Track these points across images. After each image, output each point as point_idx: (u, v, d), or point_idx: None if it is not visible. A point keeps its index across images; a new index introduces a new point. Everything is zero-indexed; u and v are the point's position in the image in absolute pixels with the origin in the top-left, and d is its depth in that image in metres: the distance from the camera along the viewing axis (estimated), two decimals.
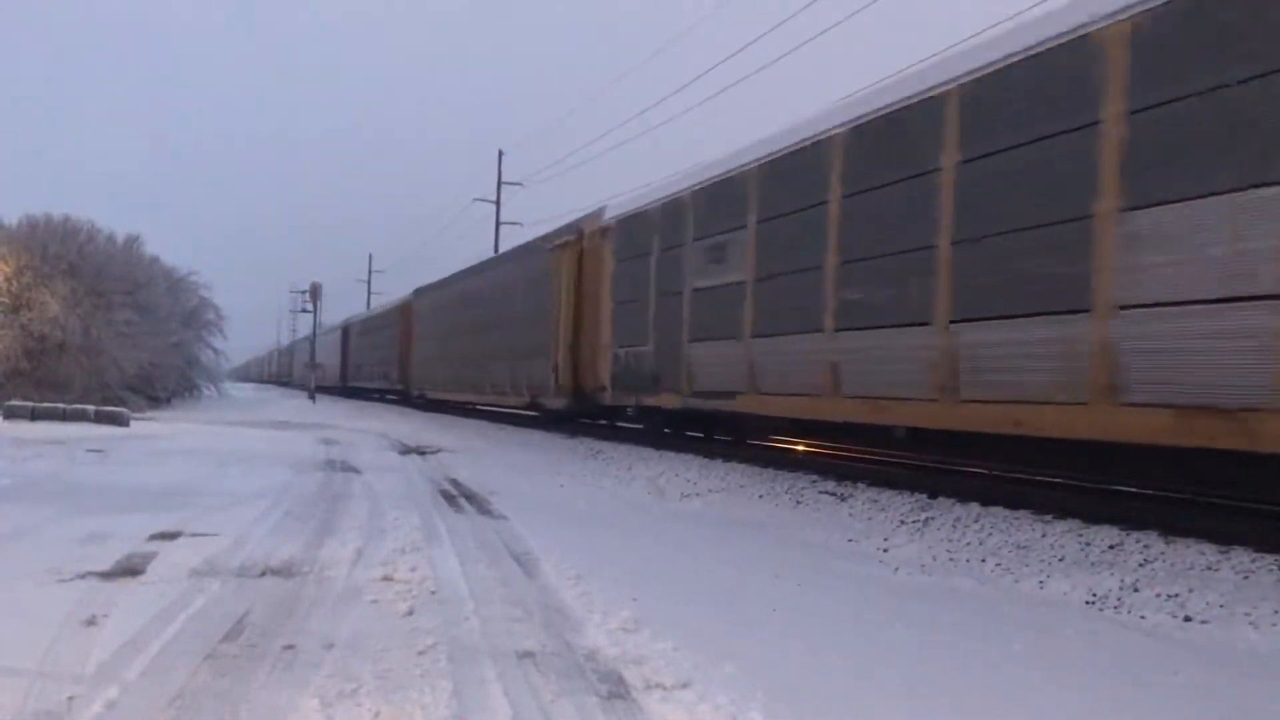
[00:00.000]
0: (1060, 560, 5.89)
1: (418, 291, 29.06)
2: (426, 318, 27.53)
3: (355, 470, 10.73)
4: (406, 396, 30.93)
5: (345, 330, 44.46)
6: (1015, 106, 6.86)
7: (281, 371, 78.08)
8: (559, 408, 16.39)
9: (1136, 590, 5.15)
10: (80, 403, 18.80)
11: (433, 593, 4.61)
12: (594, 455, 13.26)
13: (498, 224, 35.24)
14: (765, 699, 3.19)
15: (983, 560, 6.14)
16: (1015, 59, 6.89)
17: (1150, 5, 5.88)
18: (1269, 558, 5.31)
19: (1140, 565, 5.54)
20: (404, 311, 30.54)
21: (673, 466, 11.06)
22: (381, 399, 37.23)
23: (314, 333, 43.71)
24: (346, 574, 4.97)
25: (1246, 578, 5.14)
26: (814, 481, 9.20)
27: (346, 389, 42.87)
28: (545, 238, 17.35)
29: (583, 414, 16.35)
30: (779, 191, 9.81)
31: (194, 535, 5.92)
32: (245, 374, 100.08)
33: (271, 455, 12.33)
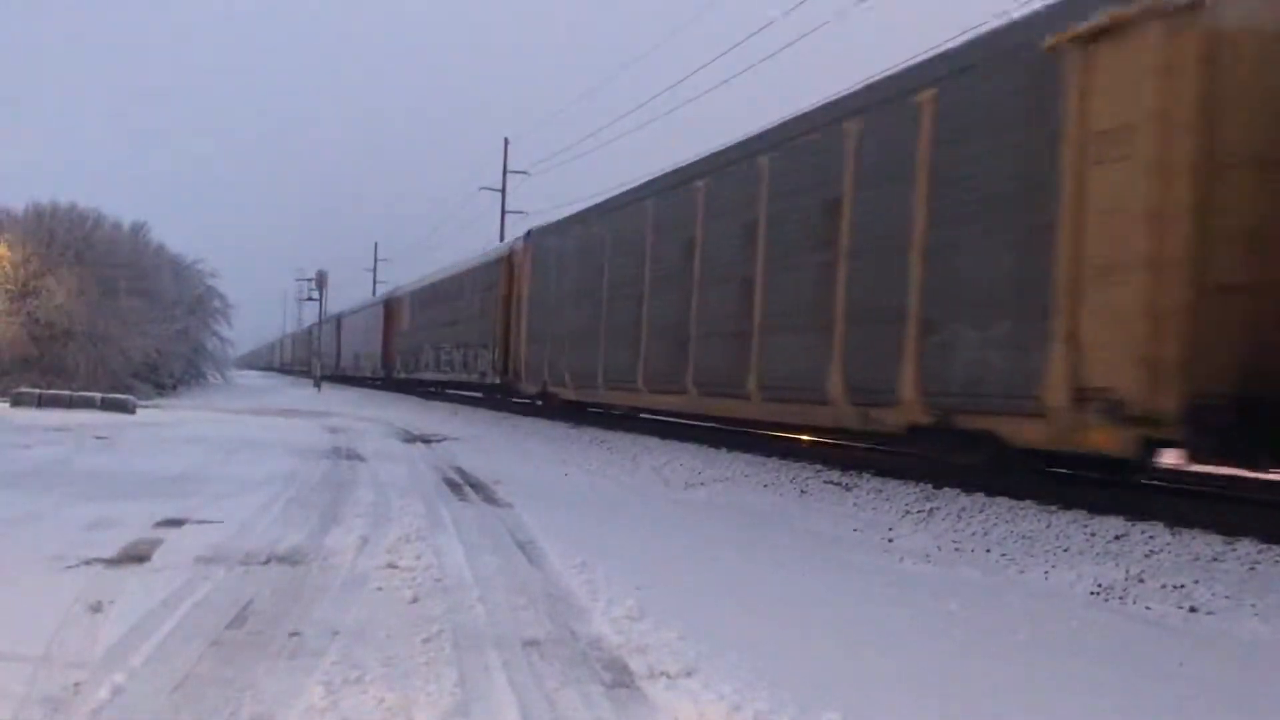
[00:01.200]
0: (1065, 551, 5.87)
1: (536, 233, 18.38)
2: (557, 271, 16.72)
3: (360, 458, 10.75)
4: (507, 394, 20.31)
5: (389, 305, 33.28)
6: None
7: (297, 359, 65.67)
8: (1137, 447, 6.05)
9: (1142, 581, 5.14)
10: (86, 390, 18.87)
11: (438, 580, 4.61)
12: (599, 444, 13.27)
13: (503, 212, 35.19)
14: (770, 688, 3.18)
15: (987, 550, 6.13)
16: None
17: None
18: (1275, 549, 5.29)
19: (1145, 556, 5.53)
20: (505, 267, 19.78)
21: (678, 456, 11.06)
22: (439, 394, 27.26)
23: (320, 321, 43.76)
24: (351, 561, 4.98)
25: (1252, 569, 5.12)
26: (818, 471, 9.19)
27: (393, 382, 32.69)
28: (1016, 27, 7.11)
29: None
30: None
31: (200, 522, 5.94)
32: (253, 361, 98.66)
33: (277, 443, 12.36)
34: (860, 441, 9.85)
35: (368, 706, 2.92)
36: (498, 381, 19.97)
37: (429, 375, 26.62)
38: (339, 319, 45.54)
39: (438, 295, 26.27)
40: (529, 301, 18.04)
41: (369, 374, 36.92)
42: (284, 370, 74.04)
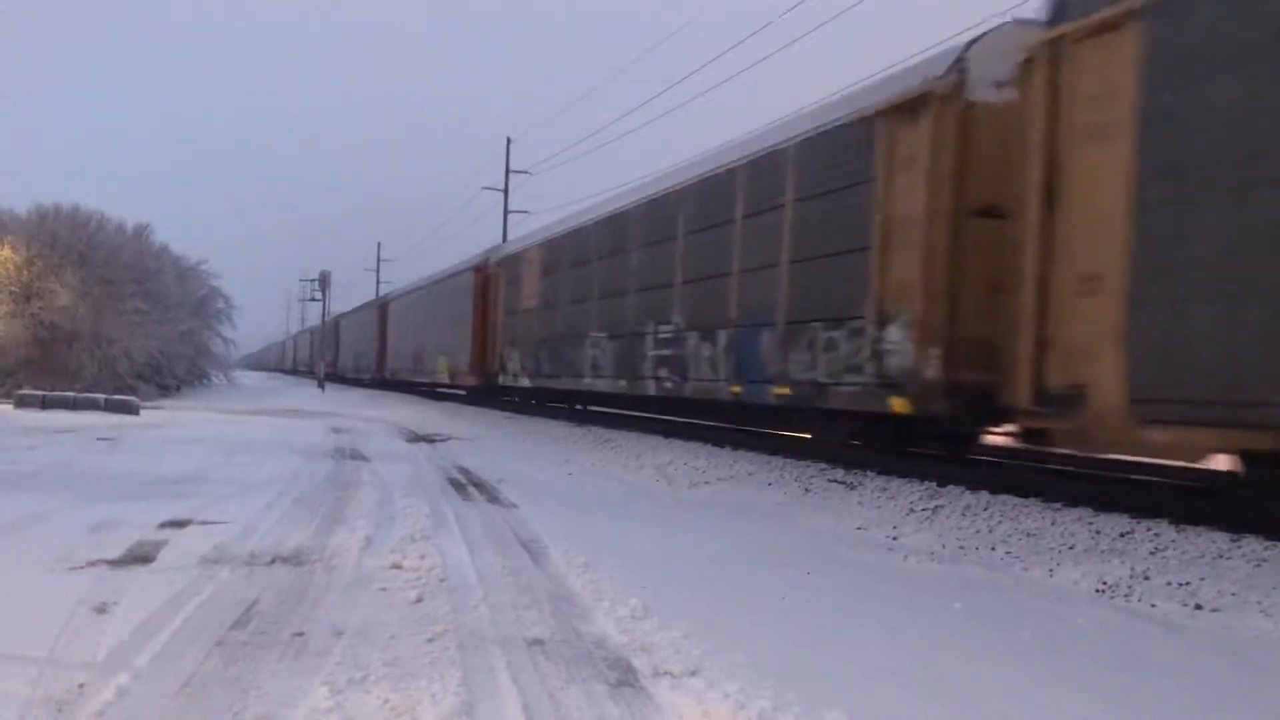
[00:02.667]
0: (1070, 548, 5.86)
1: None
2: None
3: (364, 458, 10.75)
4: (945, 436, 8.91)
5: (487, 274, 20.87)
6: None
7: (317, 358, 46.60)
8: None
9: (1147, 578, 5.13)
10: (91, 391, 18.92)
11: (441, 580, 4.61)
12: (603, 443, 13.27)
13: (505, 212, 35.16)
14: (774, 687, 3.18)
15: (992, 548, 6.12)
16: None
17: None
18: None
19: (1151, 553, 5.52)
20: (929, 128, 7.42)
21: (681, 455, 11.06)
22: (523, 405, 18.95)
23: (323, 320, 43.80)
24: (355, 562, 4.98)
25: (1258, 566, 5.11)
26: (823, 469, 9.18)
27: (501, 393, 20.85)
28: None
29: None
30: None
31: (204, 523, 5.94)
32: (261, 362, 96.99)
33: (281, 443, 12.37)
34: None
35: (372, 707, 2.92)
36: (894, 404, 7.86)
37: (604, 385, 14.27)
38: (383, 304, 34.00)
39: (624, 237, 13.59)
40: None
41: (446, 379, 23.88)
42: (296, 372, 63.86)
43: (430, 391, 27.53)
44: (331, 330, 44.09)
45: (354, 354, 38.20)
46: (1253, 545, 5.36)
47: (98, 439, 11.73)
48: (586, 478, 9.79)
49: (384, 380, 33.20)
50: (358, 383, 38.90)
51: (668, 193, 12.34)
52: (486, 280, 20.88)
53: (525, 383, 17.90)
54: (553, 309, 16.54)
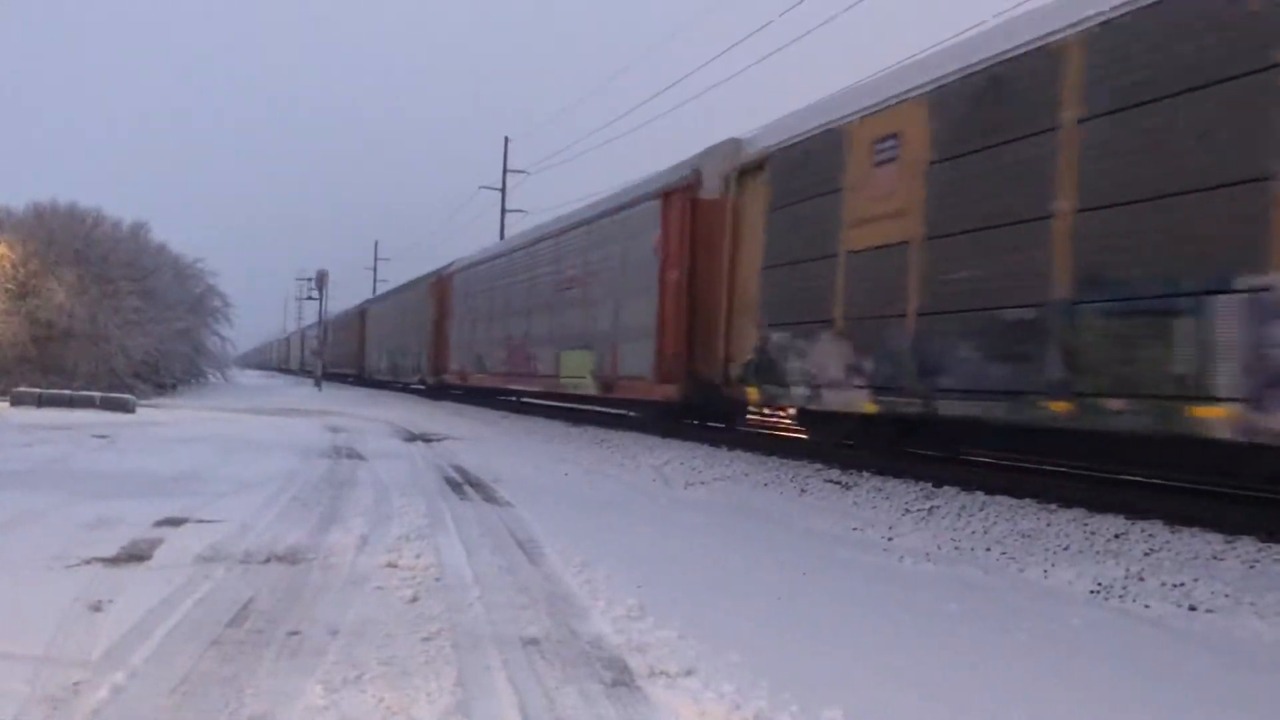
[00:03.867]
0: (1065, 549, 5.88)
1: None
2: None
3: (361, 457, 10.74)
4: None
5: (687, 202, 11.33)
6: None
7: (338, 356, 39.75)
8: None
9: (1141, 579, 5.14)
10: (87, 389, 18.87)
11: (437, 579, 4.61)
12: (599, 443, 13.27)
13: (503, 211, 35.17)
14: (770, 687, 3.18)
15: (987, 549, 6.13)
16: None
17: None
18: (1275, 547, 5.30)
19: (1145, 554, 5.53)
20: None
21: (678, 454, 11.06)
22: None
23: (321, 319, 43.71)
24: (351, 560, 4.98)
25: (1252, 567, 5.13)
26: (818, 470, 9.19)
27: (716, 414, 12.57)
28: None
29: None
30: None
31: (200, 521, 5.93)
32: (259, 360, 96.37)
33: (277, 442, 12.36)
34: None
35: (367, 706, 2.92)
36: None
37: None
38: (441, 280, 24.76)
39: None
40: None
41: (589, 387, 14.66)
42: (303, 371, 57.03)
43: (490, 399, 20.26)
44: (355, 322, 36.37)
45: (389, 350, 29.51)
46: (1247, 547, 5.38)
47: (93, 437, 11.72)
48: (583, 477, 9.79)
49: (443, 386, 23.94)
50: (391, 386, 31.33)
51: None
52: (701, 213, 11.40)
53: (858, 403, 8.49)
54: (992, 239, 6.92)
